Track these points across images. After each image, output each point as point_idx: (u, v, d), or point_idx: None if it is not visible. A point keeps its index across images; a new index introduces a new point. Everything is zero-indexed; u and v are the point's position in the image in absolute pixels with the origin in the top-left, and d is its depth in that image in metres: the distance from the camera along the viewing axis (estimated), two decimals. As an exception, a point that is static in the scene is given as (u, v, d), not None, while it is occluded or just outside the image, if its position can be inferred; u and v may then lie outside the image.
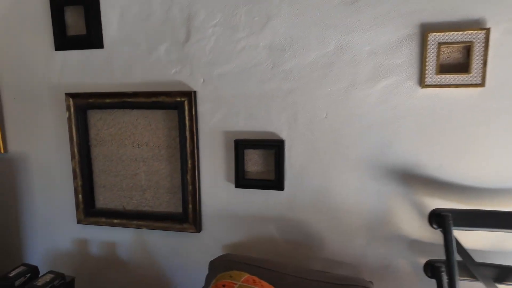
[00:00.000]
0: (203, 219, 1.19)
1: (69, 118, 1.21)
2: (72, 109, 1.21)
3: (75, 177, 1.25)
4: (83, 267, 1.33)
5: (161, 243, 1.24)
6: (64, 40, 1.20)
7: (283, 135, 1.08)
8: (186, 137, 1.13)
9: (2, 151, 1.31)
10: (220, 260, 1.05)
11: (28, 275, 1.01)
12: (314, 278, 0.94)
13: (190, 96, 1.11)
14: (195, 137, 1.13)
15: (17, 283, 0.98)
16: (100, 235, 1.29)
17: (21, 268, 1.01)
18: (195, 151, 1.13)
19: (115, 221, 1.24)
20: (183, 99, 1.12)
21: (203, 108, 1.13)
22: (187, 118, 1.12)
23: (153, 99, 1.14)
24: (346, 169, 1.05)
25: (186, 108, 1.12)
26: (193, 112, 1.11)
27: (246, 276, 0.84)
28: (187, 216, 1.18)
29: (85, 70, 1.20)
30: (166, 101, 1.13)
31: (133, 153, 1.22)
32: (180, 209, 1.21)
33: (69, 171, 1.27)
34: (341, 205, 1.07)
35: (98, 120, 1.23)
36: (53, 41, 1.21)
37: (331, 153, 1.05)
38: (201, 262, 1.20)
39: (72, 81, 1.22)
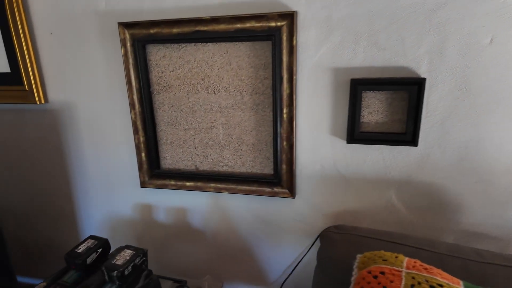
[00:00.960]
0: (298, 181, 0.96)
1: (125, 56, 0.94)
2: (128, 44, 0.94)
3: (135, 132, 1.01)
4: (148, 238, 1.16)
5: (244, 209, 1.03)
6: None
7: (421, 71, 0.80)
8: (282, 77, 0.86)
9: (42, 101, 1.08)
10: (338, 232, 0.83)
11: (100, 250, 0.82)
12: (471, 258, 0.72)
13: (292, 18, 0.81)
14: (294, 77, 0.85)
15: (89, 260, 0.79)
16: (168, 200, 1.09)
17: (90, 242, 0.83)
18: (293, 96, 0.87)
19: (188, 184, 1.03)
20: (280, 24, 0.82)
21: (305, 36, 0.84)
22: (284, 50, 0.84)
23: (238, 25, 0.85)
24: (510, 115, 0.77)
25: (284, 37, 0.83)
26: (294, 42, 0.82)
27: (405, 259, 0.62)
28: (279, 178, 0.95)
29: (141, -10, 0.91)
30: (255, 28, 0.84)
31: (208, 100, 0.96)
32: (267, 170, 0.97)
33: (127, 124, 1.04)
34: (495, 164, 0.81)
35: (162, 58, 0.96)
36: (96, -50, 0.90)
37: (491, 93, 0.77)
38: (295, 231, 1.00)
39: (125, 5, 0.93)
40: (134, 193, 1.11)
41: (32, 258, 1.35)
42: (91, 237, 0.86)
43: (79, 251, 0.79)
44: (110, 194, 1.14)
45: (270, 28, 0.83)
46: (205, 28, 0.87)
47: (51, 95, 1.08)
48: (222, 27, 0.86)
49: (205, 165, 1.03)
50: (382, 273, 0.58)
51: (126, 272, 0.76)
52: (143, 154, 1.04)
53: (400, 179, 0.89)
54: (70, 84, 1.05)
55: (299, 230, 1.01)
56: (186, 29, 0.89)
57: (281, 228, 1.02)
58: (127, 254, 0.77)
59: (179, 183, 1.04)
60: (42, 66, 1.06)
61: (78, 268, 0.78)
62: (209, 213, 1.07)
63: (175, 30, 0.90)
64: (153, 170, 1.05)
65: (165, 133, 1.03)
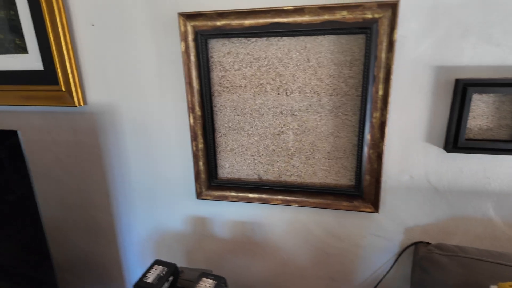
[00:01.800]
0: (382, 194, 0.86)
1: (186, 52, 0.82)
2: (189, 38, 0.81)
3: (194, 138, 0.89)
4: (200, 253, 1.05)
5: (312, 223, 0.93)
6: None
7: (543, 70, 0.69)
8: (375, 76, 0.74)
9: (80, 102, 0.94)
10: (444, 254, 0.73)
11: (171, 278, 0.71)
12: None
13: (394, 9, 0.69)
14: (391, 76, 0.74)
15: (161, 291, 0.68)
16: (225, 213, 0.98)
17: (158, 269, 0.72)
18: (388, 99, 0.76)
19: (251, 195, 0.92)
20: (378, 16, 0.71)
21: (405, 29, 0.72)
22: (382, 46, 0.72)
23: (326, 16, 0.73)
24: None
25: (382, 30, 0.72)
26: (394, 37, 0.71)
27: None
28: (361, 190, 0.84)
29: (206, -26, 0.78)
30: (347, 20, 0.72)
31: (279, 102, 0.84)
32: (344, 180, 0.87)
33: (182, 128, 0.92)
34: None
35: (226, 55, 0.83)
36: None
37: None
38: (372, 247, 0.91)
39: (185, -7, 0.80)
40: (186, 205, 1.00)
41: (65, 274, 1.23)
42: (157, 262, 0.74)
43: (150, 280, 0.68)
44: (156, 206, 1.02)
45: (365, 20, 0.71)
46: (284, 20, 0.75)
47: (90, 96, 0.95)
48: (306, 18, 0.74)
49: (269, 175, 0.92)
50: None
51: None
52: (201, 163, 0.92)
53: (500, 191, 0.79)
54: (114, 84, 0.92)
55: (377, 246, 0.91)
56: (261, 21, 0.76)
57: (355, 244, 0.92)
58: (207, 283, 0.67)
59: (241, 194, 0.93)
60: (80, 62, 0.92)
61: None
62: (271, 226, 0.96)
63: (247, 22, 0.77)
64: (212, 181, 0.94)
65: (225, 139, 0.91)
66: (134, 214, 1.06)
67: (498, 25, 0.68)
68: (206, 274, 0.70)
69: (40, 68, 0.93)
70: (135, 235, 1.09)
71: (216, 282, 0.67)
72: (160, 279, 0.69)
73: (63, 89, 0.92)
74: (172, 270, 0.72)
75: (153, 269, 0.72)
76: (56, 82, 0.92)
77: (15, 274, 0.94)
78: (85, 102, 0.96)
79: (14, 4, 0.89)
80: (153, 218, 1.05)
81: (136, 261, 1.13)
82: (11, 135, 0.76)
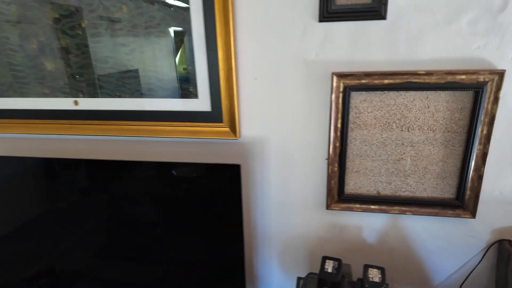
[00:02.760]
0: (479, 205, 1.14)
1: (335, 101, 1.09)
2: (339, 90, 1.08)
3: (331, 163, 1.17)
4: (320, 252, 1.32)
5: (420, 228, 1.21)
6: (330, 9, 1.03)
7: None
8: (482, 120, 1.03)
9: (237, 136, 1.21)
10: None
11: (341, 270, 0.98)
12: None
13: (501, 75, 0.98)
14: (494, 121, 1.02)
15: (339, 278, 0.95)
16: (347, 221, 1.26)
17: (331, 263, 0.98)
18: (490, 136, 1.04)
19: (373, 207, 1.20)
20: (488, 79, 0.99)
21: (507, 88, 1.01)
22: (490, 99, 1.01)
23: (449, 78, 1.01)
24: None
25: (490, 89, 1.00)
26: (499, 94, 0.99)
27: None
28: (463, 202, 1.13)
29: (355, 46, 1.05)
30: (464, 81, 1.00)
31: (401, 137, 1.12)
32: (447, 195, 1.15)
33: (319, 155, 1.19)
34: None
35: (362, 102, 1.11)
36: (317, 10, 1.04)
37: None
38: (464, 244, 1.19)
39: (336, 56, 1.07)
40: (316, 215, 1.27)
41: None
42: (326, 257, 1.02)
43: (329, 271, 0.96)
44: (289, 216, 1.30)
45: (478, 82, 0.99)
46: (416, 80, 1.03)
47: (244, 130, 1.22)
48: (433, 79, 1.02)
49: (387, 191, 1.20)
50: None
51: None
52: (333, 182, 1.19)
53: None
54: (265, 122, 1.19)
55: (468, 243, 1.19)
56: (398, 80, 1.04)
57: (451, 243, 1.21)
58: (375, 272, 0.94)
59: (364, 206, 1.21)
60: (240, 105, 1.19)
61: (334, 286, 0.94)
62: (385, 231, 1.24)
63: (386, 81, 1.05)
64: (340, 195, 1.21)
65: (352, 164, 1.19)
66: (270, 223, 1.33)
67: None
68: (369, 266, 0.97)
69: (208, 109, 1.20)
70: (267, 239, 1.36)
71: (380, 270, 0.95)
72: (336, 269, 0.96)
73: (227, 126, 1.19)
74: (340, 263, 1.00)
75: (326, 264, 0.99)
76: (221, 121, 1.19)
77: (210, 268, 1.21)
78: (239, 136, 1.22)
79: (193, 62, 1.15)
80: (284, 225, 1.32)
81: (267, 261, 1.40)
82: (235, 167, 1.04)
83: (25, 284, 1.38)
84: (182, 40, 1.16)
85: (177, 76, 1.20)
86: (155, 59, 1.20)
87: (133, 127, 1.27)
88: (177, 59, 1.18)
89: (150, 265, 1.28)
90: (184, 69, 1.18)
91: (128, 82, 1.24)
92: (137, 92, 1.24)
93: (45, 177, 1.24)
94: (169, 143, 1.30)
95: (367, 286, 0.90)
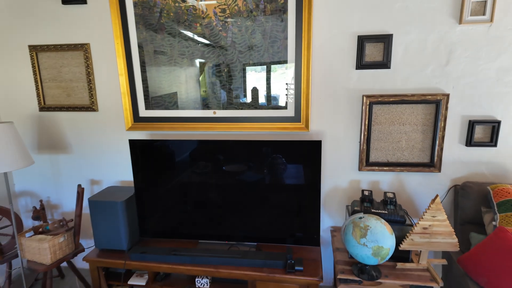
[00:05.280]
0: (442, 165, 2.10)
1: (364, 110, 2.06)
2: (366, 104, 2.06)
3: (362, 144, 2.13)
4: (351, 197, 2.26)
5: (411, 179, 2.16)
6: (362, 63, 2.01)
7: None
8: (440, 119, 2.00)
9: (309, 130, 2.16)
10: (470, 183, 1.98)
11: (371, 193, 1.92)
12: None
13: (447, 96, 1.96)
14: (446, 119, 2.00)
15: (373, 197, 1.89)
16: (370, 177, 2.20)
17: (367, 192, 1.93)
18: (445, 129, 2.01)
19: (385, 168, 2.15)
20: (441, 98, 1.97)
21: (452, 102, 1.99)
22: (443, 108, 1.99)
23: (422, 97, 1.99)
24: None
25: (443, 103, 1.98)
26: (448, 105, 1.97)
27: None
28: (433, 163, 2.09)
29: (375, 81, 2.03)
30: (429, 99, 1.98)
31: (399, 129, 2.09)
32: (426, 160, 2.11)
33: (353, 141, 2.15)
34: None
35: (378, 110, 2.08)
36: (355, 63, 2.02)
37: (527, 126, 1.95)
38: (438, 188, 2.15)
39: (364, 87, 2.05)
40: (351, 174, 2.21)
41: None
42: (363, 190, 1.95)
43: (366, 194, 1.89)
44: (338, 176, 2.24)
45: (437, 99, 1.98)
46: (406, 98, 2.01)
47: (313, 127, 2.18)
48: (415, 98, 2.00)
49: (392, 159, 2.15)
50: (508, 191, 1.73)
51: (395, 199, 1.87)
52: (362, 155, 2.15)
53: None
54: (325, 122, 2.15)
55: (437, 187, 2.15)
56: (397, 98, 2.02)
57: (428, 187, 2.16)
58: (390, 194, 1.88)
59: (380, 168, 2.16)
60: (311, 113, 2.15)
61: (370, 201, 1.87)
62: (392, 181, 2.19)
63: (391, 99, 2.02)
64: (367, 162, 2.16)
65: (374, 144, 2.15)
66: (325, 181, 2.26)
67: (486, 98, 1.96)
68: (387, 191, 1.91)
69: (292, 115, 2.15)
70: (324, 190, 2.29)
71: (393, 193, 1.89)
72: (370, 193, 1.90)
73: (303, 124, 2.15)
74: (371, 192, 1.93)
75: (364, 192, 1.93)
76: (299, 121, 2.15)
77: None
78: (310, 130, 2.18)
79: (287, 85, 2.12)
80: (335, 182, 2.25)
81: (325, 203, 2.33)
82: (317, 142, 1.98)
83: (171, 231, 2.27)
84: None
85: (287, 97, 2.15)
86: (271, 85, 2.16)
87: (248, 125, 2.22)
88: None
89: (258, 217, 2.19)
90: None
91: (254, 99, 2.19)
92: (252, 106, 2.19)
93: (198, 153, 2.16)
94: (270, 134, 2.24)
95: (387, 197, 1.84)
